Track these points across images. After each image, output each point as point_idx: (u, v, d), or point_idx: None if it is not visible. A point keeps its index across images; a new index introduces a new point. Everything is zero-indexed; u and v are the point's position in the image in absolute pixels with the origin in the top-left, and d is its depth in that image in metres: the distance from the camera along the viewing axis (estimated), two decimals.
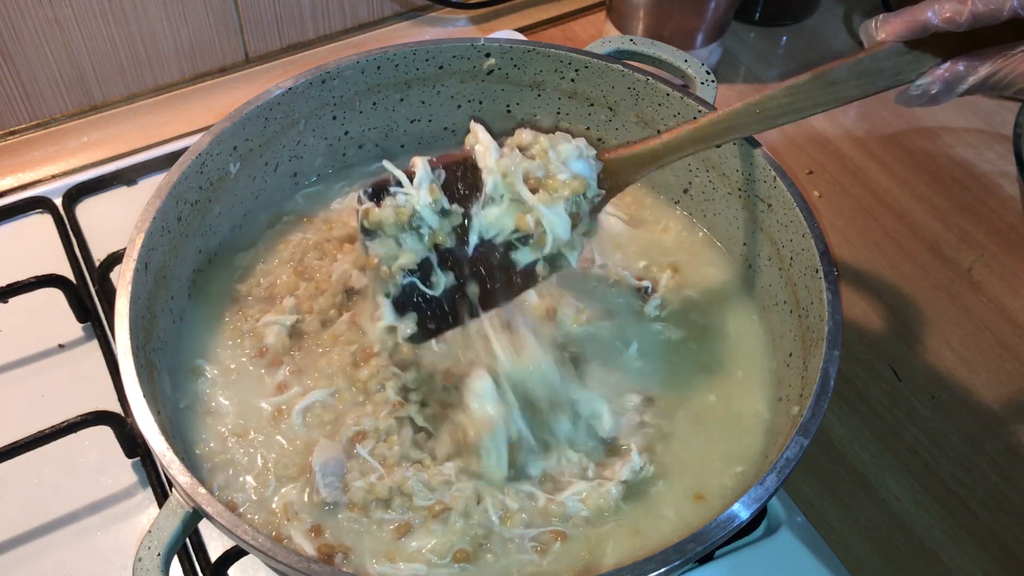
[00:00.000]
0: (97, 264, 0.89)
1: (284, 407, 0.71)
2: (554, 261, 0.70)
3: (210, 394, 0.72)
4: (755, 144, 0.76)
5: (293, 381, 0.72)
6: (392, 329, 0.68)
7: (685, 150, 0.72)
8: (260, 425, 0.70)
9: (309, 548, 0.63)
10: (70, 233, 0.93)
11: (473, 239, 0.68)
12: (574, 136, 0.87)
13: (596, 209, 0.72)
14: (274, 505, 0.66)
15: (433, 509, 0.65)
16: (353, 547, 0.64)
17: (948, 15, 0.57)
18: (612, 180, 0.73)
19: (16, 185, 1.00)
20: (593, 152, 0.71)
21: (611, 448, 0.70)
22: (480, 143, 0.69)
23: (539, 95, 0.87)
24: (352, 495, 0.66)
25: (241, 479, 0.67)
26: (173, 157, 0.78)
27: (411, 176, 0.67)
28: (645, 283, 0.80)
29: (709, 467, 0.69)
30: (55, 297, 0.85)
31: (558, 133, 0.71)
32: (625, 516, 0.66)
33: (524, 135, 0.70)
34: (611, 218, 0.85)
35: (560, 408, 0.69)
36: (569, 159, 0.69)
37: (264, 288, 0.78)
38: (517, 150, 0.69)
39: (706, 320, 0.79)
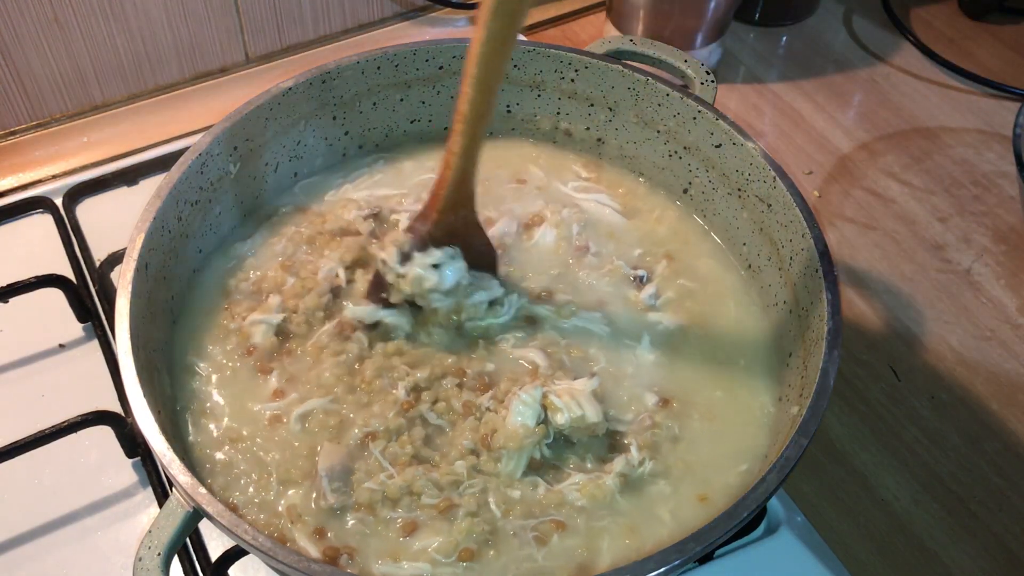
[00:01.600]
0: (97, 264, 0.89)
1: (281, 413, 0.70)
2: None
3: (206, 393, 0.71)
4: (748, 138, 0.76)
5: (288, 388, 0.72)
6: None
7: (478, 145, 0.69)
8: (258, 430, 0.70)
9: (313, 551, 0.63)
10: (70, 233, 0.93)
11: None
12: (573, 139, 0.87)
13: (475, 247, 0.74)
14: (280, 508, 0.66)
15: (439, 506, 0.65)
16: (358, 548, 0.64)
17: None
18: (457, 210, 0.72)
19: (16, 185, 1.00)
20: (448, 253, 0.72)
21: (613, 444, 0.70)
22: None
23: (539, 95, 0.87)
24: (359, 496, 0.65)
25: (242, 482, 0.67)
26: (173, 157, 0.78)
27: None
28: (640, 272, 0.80)
29: (714, 467, 0.69)
30: (55, 297, 0.85)
31: (415, 258, 0.71)
32: (623, 514, 0.66)
33: (386, 271, 0.72)
34: (605, 208, 0.85)
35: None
36: (440, 286, 0.72)
37: (252, 283, 0.77)
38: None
39: (703, 308, 0.78)
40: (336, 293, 0.76)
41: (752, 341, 0.77)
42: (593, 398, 0.68)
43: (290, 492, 0.66)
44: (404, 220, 0.81)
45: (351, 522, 0.65)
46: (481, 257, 0.75)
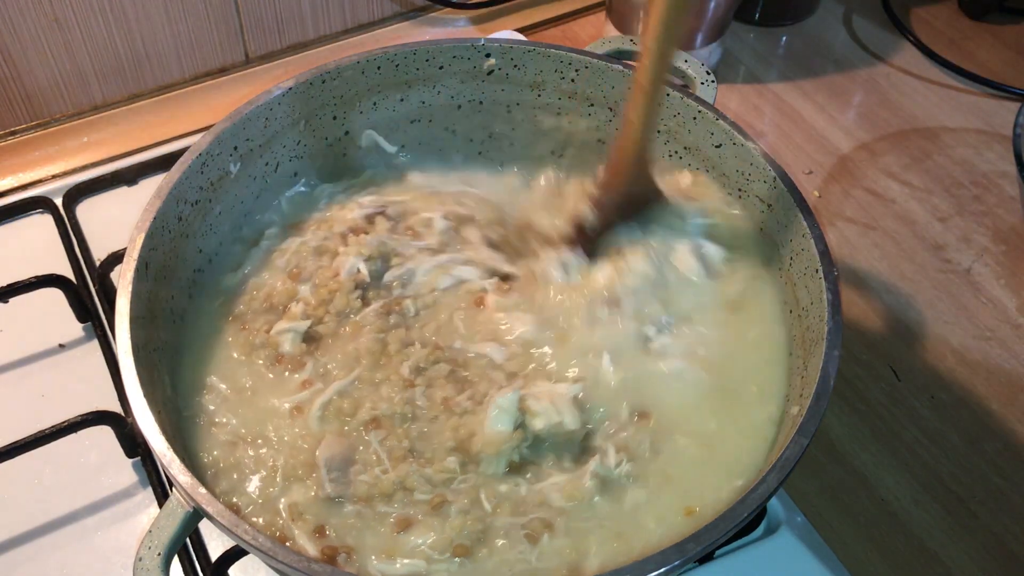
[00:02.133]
0: (97, 264, 0.89)
1: (304, 404, 0.70)
2: None
3: (221, 408, 0.70)
4: (748, 138, 0.76)
5: (315, 379, 0.71)
6: None
7: (655, 114, 0.72)
8: (272, 427, 0.69)
9: (312, 549, 0.63)
10: (70, 233, 0.93)
11: None
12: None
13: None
14: (280, 506, 0.66)
15: (432, 502, 0.65)
16: (355, 546, 0.64)
17: None
18: (637, 177, 0.74)
19: (16, 185, 1.00)
20: None
21: (586, 447, 0.68)
22: None
23: (539, 95, 0.87)
24: (356, 489, 0.65)
25: (245, 483, 0.67)
26: (173, 157, 0.78)
27: None
28: (649, 329, 0.73)
29: (704, 483, 0.67)
30: (55, 297, 0.85)
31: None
32: (608, 518, 0.65)
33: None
34: (693, 263, 0.76)
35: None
36: None
37: (261, 300, 0.76)
38: None
39: (720, 351, 0.73)
40: (363, 288, 0.75)
41: (771, 352, 0.73)
42: (573, 404, 0.68)
43: (294, 488, 0.66)
44: (438, 220, 0.80)
45: (349, 516, 0.65)
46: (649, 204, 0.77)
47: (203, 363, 0.73)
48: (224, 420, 0.70)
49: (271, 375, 0.72)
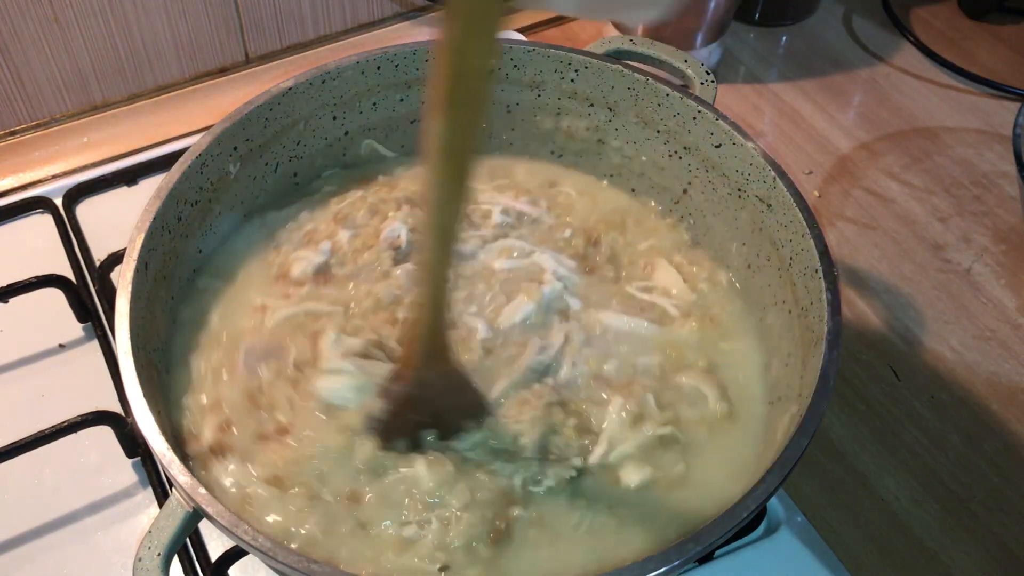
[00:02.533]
0: (97, 264, 0.89)
1: (273, 307, 0.72)
2: None
3: (211, 307, 0.74)
4: (748, 138, 0.76)
5: (301, 297, 0.73)
6: None
7: (444, 293, 0.59)
8: (236, 320, 0.72)
9: (208, 437, 0.65)
10: (70, 233, 0.93)
11: None
12: None
13: None
14: (204, 401, 0.68)
15: (280, 426, 0.66)
16: (233, 447, 0.65)
17: None
18: (434, 365, 0.62)
19: (16, 185, 1.00)
20: None
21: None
22: None
23: (539, 95, 0.87)
24: (250, 385, 0.68)
25: (199, 383, 0.69)
26: (173, 157, 0.78)
27: None
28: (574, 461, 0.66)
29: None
30: (55, 297, 0.85)
31: None
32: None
33: None
34: (634, 321, 0.74)
35: None
36: None
37: (304, 233, 0.79)
38: None
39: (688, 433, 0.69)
40: (397, 250, 0.77)
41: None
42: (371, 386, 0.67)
43: (222, 381, 0.68)
44: (496, 212, 0.81)
45: (242, 415, 0.67)
46: (469, 409, 0.66)
47: (228, 261, 0.77)
48: (208, 319, 0.73)
49: (269, 282, 0.75)
